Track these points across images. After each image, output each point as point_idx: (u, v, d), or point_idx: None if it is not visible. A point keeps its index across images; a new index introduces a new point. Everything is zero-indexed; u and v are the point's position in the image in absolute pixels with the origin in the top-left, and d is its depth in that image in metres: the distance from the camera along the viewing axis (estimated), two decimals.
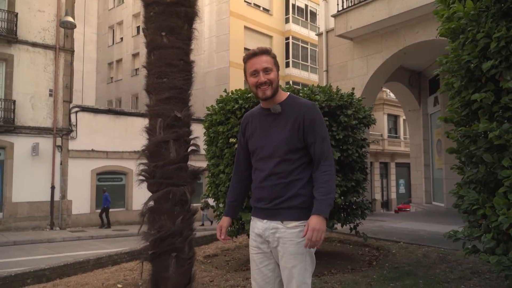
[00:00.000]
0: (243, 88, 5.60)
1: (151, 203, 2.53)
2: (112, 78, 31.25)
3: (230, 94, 5.28)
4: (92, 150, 17.13)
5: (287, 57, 26.37)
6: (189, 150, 2.67)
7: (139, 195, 16.99)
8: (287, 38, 26.56)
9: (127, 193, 18.25)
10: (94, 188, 17.23)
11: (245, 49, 23.57)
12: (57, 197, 16.01)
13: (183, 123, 2.59)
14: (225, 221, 2.23)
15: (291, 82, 24.73)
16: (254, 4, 25.02)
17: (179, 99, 2.58)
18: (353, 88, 5.71)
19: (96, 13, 31.23)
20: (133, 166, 17.66)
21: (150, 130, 2.59)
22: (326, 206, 1.88)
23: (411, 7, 8.42)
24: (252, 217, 2.17)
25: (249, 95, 5.00)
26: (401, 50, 9.51)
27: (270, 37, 25.75)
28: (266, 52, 2.06)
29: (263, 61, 2.03)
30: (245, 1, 24.24)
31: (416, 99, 13.67)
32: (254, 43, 24.55)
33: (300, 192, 2.00)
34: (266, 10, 25.88)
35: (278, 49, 26.04)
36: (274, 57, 2.09)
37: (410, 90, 13.49)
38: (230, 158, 5.09)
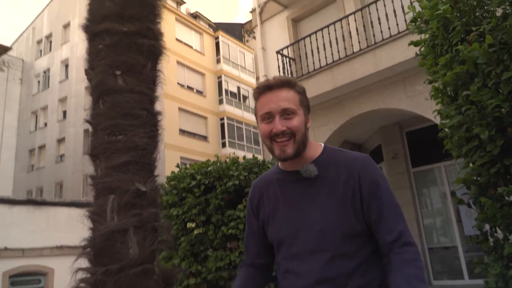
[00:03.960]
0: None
1: None
2: (33, 166, 28.61)
3: (184, 169, 4.47)
4: (5, 248, 14.64)
5: (223, 137, 26.18)
6: (156, 242, 1.77)
7: None
8: (222, 119, 26.59)
9: None
10: None
11: (180, 130, 22.98)
12: None
13: (148, 200, 1.73)
14: None
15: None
16: (187, 86, 25.07)
17: (142, 165, 1.75)
18: None
19: (18, 98, 29.54)
20: (55, 265, 15.38)
21: (96, 215, 1.68)
22: None
23: (355, 78, 8.47)
24: None
25: (209, 168, 4.21)
26: (347, 121, 9.43)
27: (205, 118, 25.61)
28: (287, 84, 1.31)
29: (282, 99, 1.28)
30: (178, 84, 24.19)
31: None
32: (189, 124, 24.15)
33: None
34: (199, 92, 26.01)
35: (213, 130, 25.84)
36: (300, 92, 1.33)
37: None
38: (187, 248, 4.13)
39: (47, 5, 30.37)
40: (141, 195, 1.69)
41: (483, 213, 2.53)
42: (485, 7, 2.73)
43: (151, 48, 1.90)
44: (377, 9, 7.94)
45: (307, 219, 1.29)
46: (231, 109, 27.28)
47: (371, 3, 8.16)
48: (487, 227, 2.79)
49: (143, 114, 1.81)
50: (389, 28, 7.68)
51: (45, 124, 28.60)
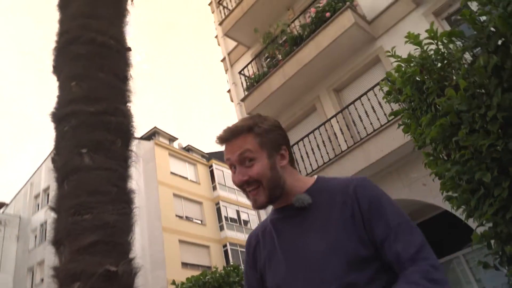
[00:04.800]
0: None
1: None
2: None
3: (180, 285, 4.06)
4: None
5: (227, 263, 25.02)
6: None
7: None
8: (225, 246, 25.75)
9: None
10: None
11: (182, 263, 22.03)
12: None
13: (120, 285, 1.46)
14: None
15: None
16: (186, 217, 24.80)
17: (112, 245, 1.53)
18: None
19: (15, 256, 28.78)
20: None
21: None
22: None
23: (347, 175, 8.43)
24: None
25: (207, 278, 3.84)
26: None
27: (207, 247, 24.80)
28: (239, 132, 1.20)
29: (236, 147, 1.18)
30: (176, 216, 23.95)
31: None
32: (192, 256, 23.26)
33: None
34: (199, 221, 25.64)
35: (217, 258, 24.81)
36: (261, 132, 1.20)
37: None
38: None
39: (45, 160, 31.57)
40: (112, 279, 1.44)
41: None
42: (452, 63, 2.81)
43: (119, 125, 1.83)
44: (356, 108, 8.29)
45: (306, 252, 1.12)
46: (233, 234, 26.62)
47: (349, 105, 8.56)
48: None
49: (113, 191, 1.66)
50: (371, 123, 7.92)
51: (42, 280, 27.26)
